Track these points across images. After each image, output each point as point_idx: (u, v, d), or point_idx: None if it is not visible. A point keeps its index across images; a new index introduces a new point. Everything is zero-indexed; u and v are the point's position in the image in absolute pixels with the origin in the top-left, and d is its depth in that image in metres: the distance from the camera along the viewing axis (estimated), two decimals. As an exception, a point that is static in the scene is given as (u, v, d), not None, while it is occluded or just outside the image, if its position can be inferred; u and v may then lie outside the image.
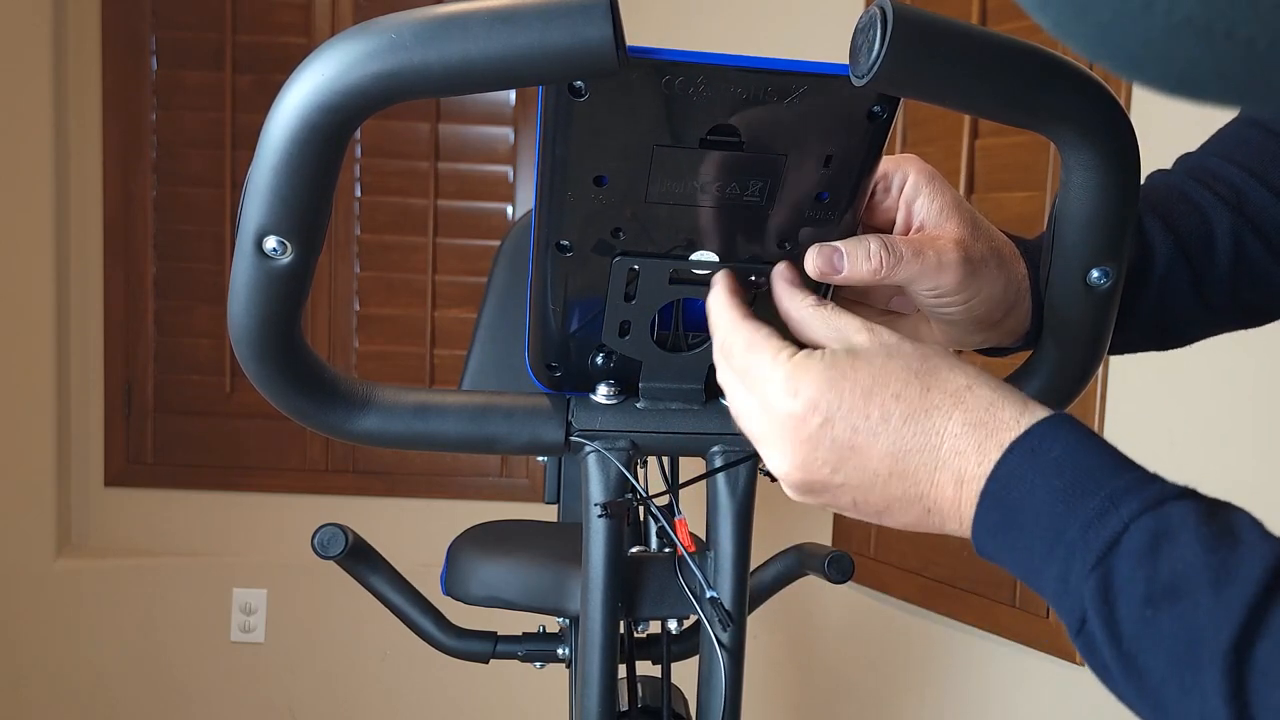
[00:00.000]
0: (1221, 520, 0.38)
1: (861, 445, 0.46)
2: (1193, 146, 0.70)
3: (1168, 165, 0.69)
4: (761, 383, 0.49)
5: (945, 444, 0.45)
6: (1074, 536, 0.40)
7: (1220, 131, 0.69)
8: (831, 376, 0.47)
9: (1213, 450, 1.42)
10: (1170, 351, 0.67)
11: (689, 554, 0.64)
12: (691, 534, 0.66)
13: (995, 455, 0.44)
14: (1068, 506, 0.40)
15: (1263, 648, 0.35)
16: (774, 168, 0.51)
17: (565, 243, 0.54)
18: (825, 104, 0.48)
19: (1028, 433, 0.43)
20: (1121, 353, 0.66)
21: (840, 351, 0.48)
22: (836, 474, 0.48)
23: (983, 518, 0.44)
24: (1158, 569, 0.37)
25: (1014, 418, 0.44)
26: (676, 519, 0.64)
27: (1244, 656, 0.35)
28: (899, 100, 0.49)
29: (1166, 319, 0.63)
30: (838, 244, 0.54)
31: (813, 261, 0.54)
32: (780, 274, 0.55)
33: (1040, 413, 0.45)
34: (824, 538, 2.00)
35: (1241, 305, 0.64)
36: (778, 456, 0.49)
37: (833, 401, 0.47)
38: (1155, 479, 0.41)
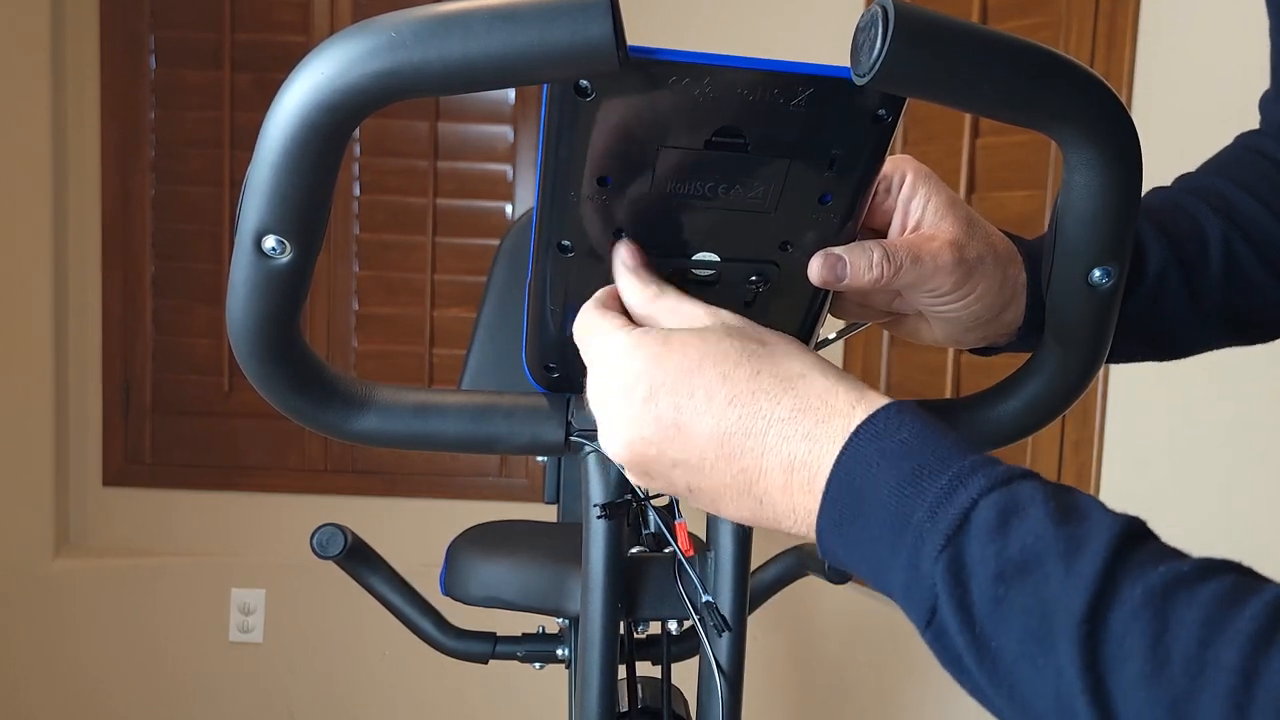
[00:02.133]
0: (1066, 497, 0.38)
1: (686, 424, 0.45)
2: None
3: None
4: (599, 358, 0.49)
5: (772, 429, 0.44)
6: (922, 518, 0.39)
7: (1214, 156, 0.70)
8: (659, 351, 0.46)
9: (1212, 452, 1.42)
10: (1169, 355, 0.68)
11: (686, 558, 0.64)
12: (691, 534, 0.66)
13: (828, 443, 0.42)
14: (916, 488, 0.39)
15: (1115, 616, 0.34)
16: (778, 170, 0.50)
17: (566, 243, 0.53)
18: (831, 107, 0.48)
19: (872, 417, 0.42)
20: (1119, 361, 0.66)
21: (679, 330, 0.48)
22: (665, 453, 0.46)
23: (828, 508, 0.42)
24: (1008, 544, 0.37)
25: (849, 404, 0.43)
26: (677, 522, 0.63)
27: (1097, 626, 0.34)
28: (903, 104, 0.49)
29: (1160, 324, 0.63)
30: (841, 253, 0.54)
31: (817, 270, 0.54)
32: (620, 257, 0.53)
33: (880, 399, 0.44)
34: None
35: (1234, 313, 0.65)
36: (608, 432, 0.48)
37: (656, 376, 0.46)
38: (999, 460, 0.40)
